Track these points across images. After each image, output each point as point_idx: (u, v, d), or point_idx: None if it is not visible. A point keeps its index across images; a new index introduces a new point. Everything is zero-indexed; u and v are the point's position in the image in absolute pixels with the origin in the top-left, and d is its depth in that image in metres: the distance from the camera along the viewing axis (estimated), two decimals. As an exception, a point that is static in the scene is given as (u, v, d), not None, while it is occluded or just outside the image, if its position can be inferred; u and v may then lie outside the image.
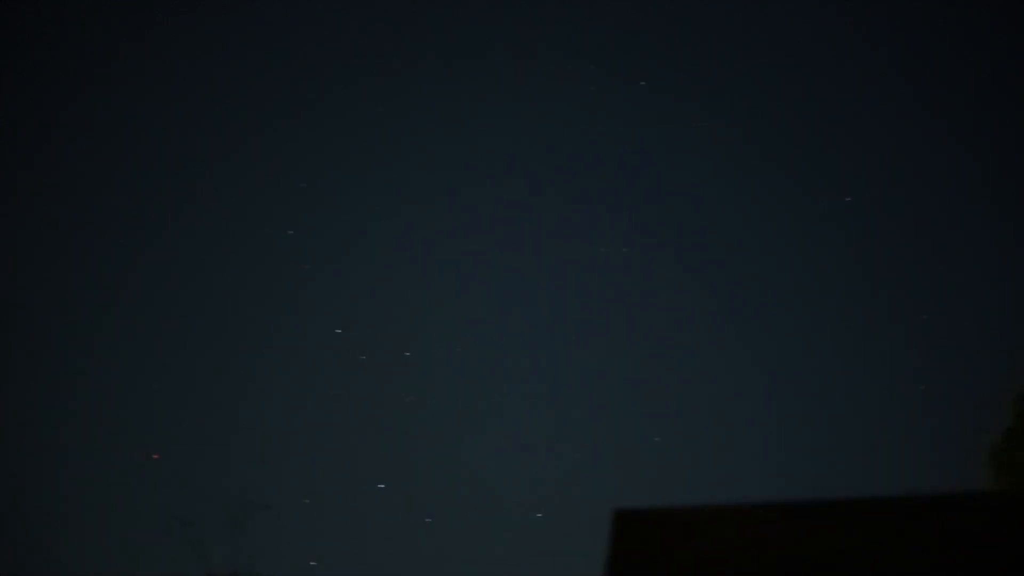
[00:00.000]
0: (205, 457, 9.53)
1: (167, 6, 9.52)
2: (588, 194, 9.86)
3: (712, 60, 10.04)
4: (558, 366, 9.92)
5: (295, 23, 9.69)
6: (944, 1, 10.08)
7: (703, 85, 10.01)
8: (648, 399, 9.88)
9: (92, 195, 9.43)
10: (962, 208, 10.20)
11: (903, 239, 9.97)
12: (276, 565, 9.57)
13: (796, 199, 9.95)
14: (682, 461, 9.75)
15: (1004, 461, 7.23)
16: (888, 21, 10.07)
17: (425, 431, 9.74)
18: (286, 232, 9.58)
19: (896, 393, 9.85)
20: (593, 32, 10.04)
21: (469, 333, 9.93)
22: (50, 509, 9.41)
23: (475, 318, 9.93)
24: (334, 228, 9.73)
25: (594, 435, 9.77)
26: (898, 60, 10.05)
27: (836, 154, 10.18)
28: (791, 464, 9.82)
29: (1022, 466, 7.30)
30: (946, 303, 9.89)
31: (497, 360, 9.90)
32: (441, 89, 9.80)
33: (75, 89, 9.49)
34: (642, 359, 9.99)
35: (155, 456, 9.04)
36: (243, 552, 9.40)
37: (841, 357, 9.90)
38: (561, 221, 9.94)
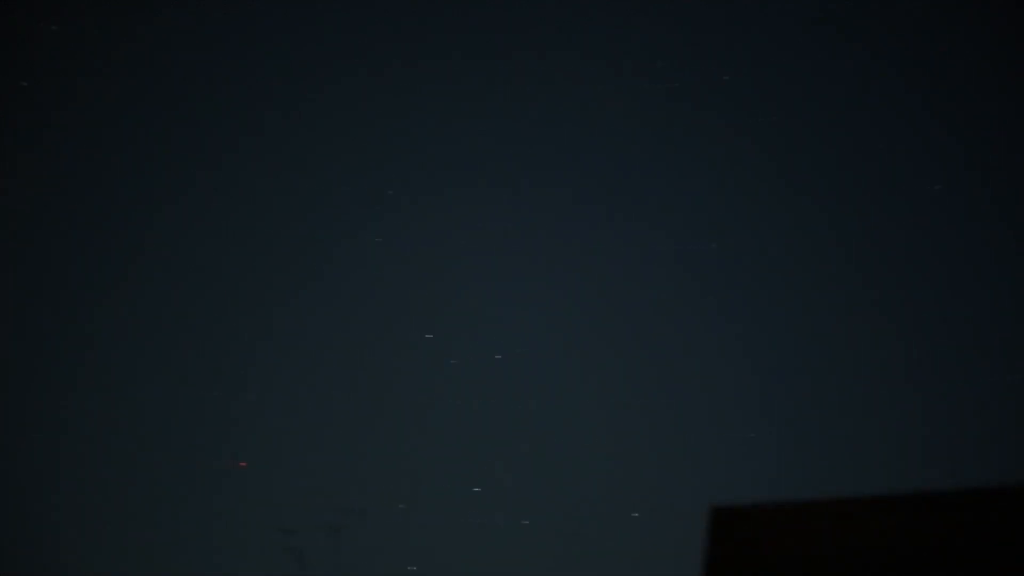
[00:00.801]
0: (299, 464, 9.56)
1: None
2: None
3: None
4: (646, 364, 9.84)
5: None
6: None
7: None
8: (739, 395, 9.79)
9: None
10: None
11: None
12: (373, 571, 9.59)
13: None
14: (779, 457, 9.64)
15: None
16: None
17: (517, 433, 9.70)
18: (375, 239, 9.60)
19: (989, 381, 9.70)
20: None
21: (559, 336, 9.88)
22: (148, 521, 9.48)
23: (561, 322, 9.88)
24: (419, 235, 9.73)
25: (689, 433, 9.69)
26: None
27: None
28: (888, 456, 9.69)
29: None
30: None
31: (586, 360, 9.85)
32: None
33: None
34: (735, 354, 9.90)
35: (242, 464, 9.09)
36: (340, 559, 9.44)
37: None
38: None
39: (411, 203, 10.24)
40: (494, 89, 10.26)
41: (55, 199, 9.83)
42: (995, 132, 10.17)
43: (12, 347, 9.70)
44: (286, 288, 10.11)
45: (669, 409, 10.00)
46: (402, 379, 9.96)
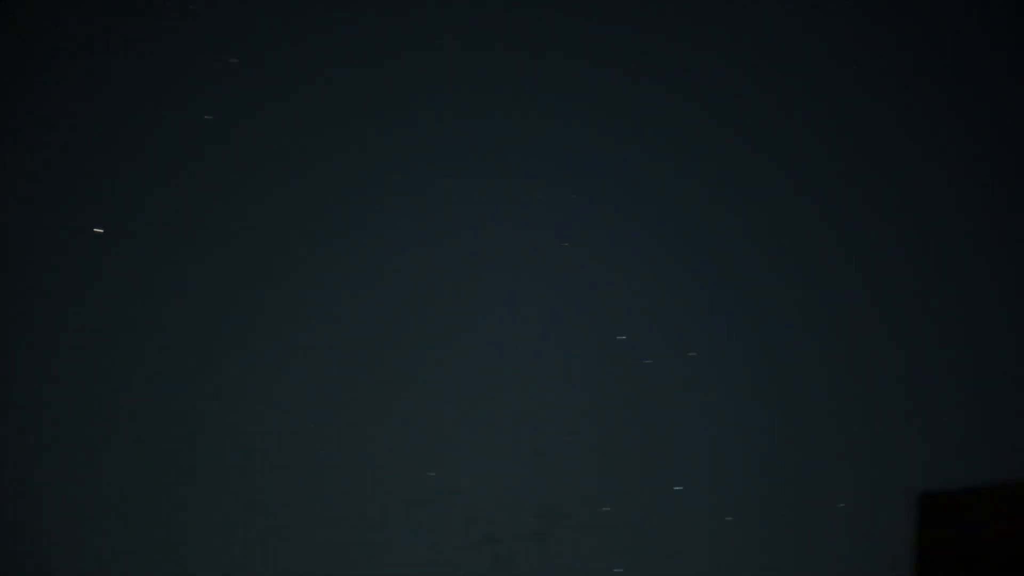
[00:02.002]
0: (502, 473, 9.63)
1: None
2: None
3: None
4: (846, 355, 9.73)
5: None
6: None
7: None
8: (943, 381, 9.60)
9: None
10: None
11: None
12: (580, 574, 9.62)
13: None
14: (984, 440, 9.43)
15: None
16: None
17: (713, 430, 9.65)
18: (564, 245, 9.63)
19: None
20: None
21: (755, 333, 9.81)
22: (356, 532, 9.62)
23: (757, 320, 9.82)
24: (615, 240, 9.75)
25: (895, 419, 9.54)
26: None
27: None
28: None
29: None
30: None
31: (780, 353, 9.76)
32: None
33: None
34: (938, 342, 9.72)
35: (431, 474, 9.17)
36: (548, 564, 9.49)
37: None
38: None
39: (598, 208, 10.25)
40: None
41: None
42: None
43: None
44: (488, 304, 10.20)
45: (869, 398, 9.86)
46: (600, 381, 9.98)
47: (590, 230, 10.16)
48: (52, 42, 9.98)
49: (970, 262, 9.93)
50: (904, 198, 9.96)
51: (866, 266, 9.97)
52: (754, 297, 10.00)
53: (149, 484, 9.72)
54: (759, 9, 9.95)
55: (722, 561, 9.61)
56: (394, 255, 10.19)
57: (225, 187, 10.14)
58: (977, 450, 9.56)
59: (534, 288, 10.12)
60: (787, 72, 10.03)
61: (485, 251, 10.08)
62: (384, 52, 10.18)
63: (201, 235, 10.07)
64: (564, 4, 10.23)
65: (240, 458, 9.84)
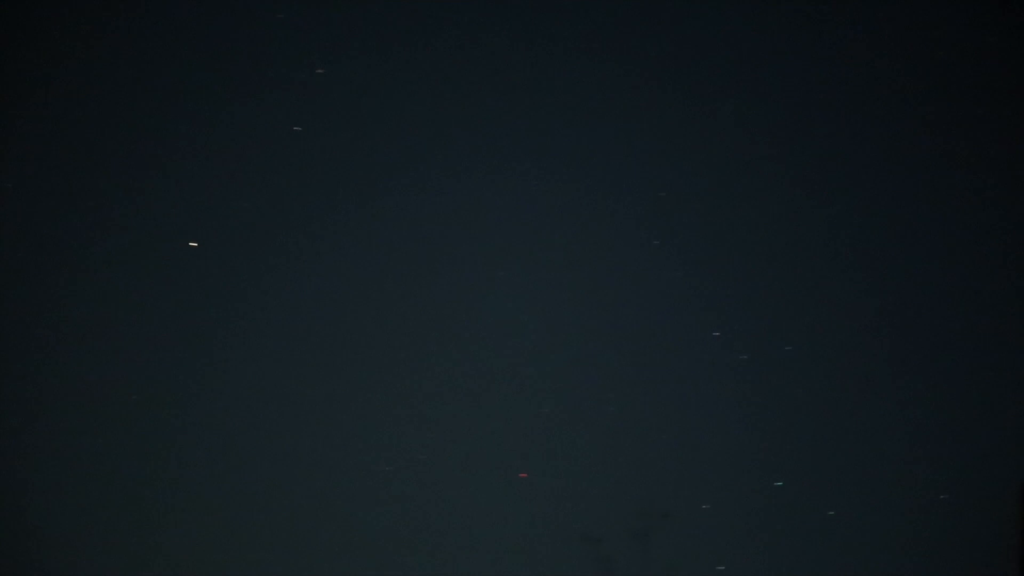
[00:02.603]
0: (600, 472, 9.63)
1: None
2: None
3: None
4: (935, 348, 9.61)
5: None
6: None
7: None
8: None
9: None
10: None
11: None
12: (682, 573, 9.59)
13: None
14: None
15: None
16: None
17: (810, 424, 9.59)
18: (654, 242, 9.62)
19: None
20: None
21: (852, 326, 9.73)
22: (463, 534, 9.65)
23: (854, 313, 9.74)
24: (706, 238, 9.71)
25: (999, 410, 9.43)
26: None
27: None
28: None
29: None
30: None
31: (874, 347, 9.68)
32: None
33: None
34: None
35: (522, 475, 9.18)
36: (649, 563, 9.47)
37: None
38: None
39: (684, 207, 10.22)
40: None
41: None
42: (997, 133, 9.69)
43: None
44: (581, 304, 10.20)
45: (971, 389, 9.75)
46: (695, 378, 9.95)
47: (680, 227, 10.12)
48: (139, 52, 10.09)
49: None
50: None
51: (977, 255, 9.87)
52: (852, 291, 9.92)
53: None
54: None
55: (825, 556, 9.54)
56: (497, 253, 10.22)
57: (316, 197, 10.20)
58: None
59: (628, 287, 10.10)
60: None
61: (579, 252, 10.08)
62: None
63: (297, 242, 10.14)
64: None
65: (332, 462, 9.90)
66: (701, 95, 10.04)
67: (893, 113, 10.05)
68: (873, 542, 9.49)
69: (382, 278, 10.22)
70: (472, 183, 10.21)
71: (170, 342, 9.98)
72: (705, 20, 10.10)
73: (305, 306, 10.11)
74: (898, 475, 9.60)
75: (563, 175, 10.20)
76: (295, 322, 10.10)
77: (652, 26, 10.09)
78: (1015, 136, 9.67)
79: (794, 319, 9.99)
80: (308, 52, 10.15)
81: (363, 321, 10.19)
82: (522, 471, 9.76)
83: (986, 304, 9.85)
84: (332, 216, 10.25)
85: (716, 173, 10.17)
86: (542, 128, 10.03)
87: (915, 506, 9.48)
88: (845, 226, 10.09)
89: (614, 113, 9.96)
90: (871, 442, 9.69)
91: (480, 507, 9.86)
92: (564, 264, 10.14)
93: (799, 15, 10.04)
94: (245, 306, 10.11)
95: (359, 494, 9.91)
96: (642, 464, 9.82)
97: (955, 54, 9.87)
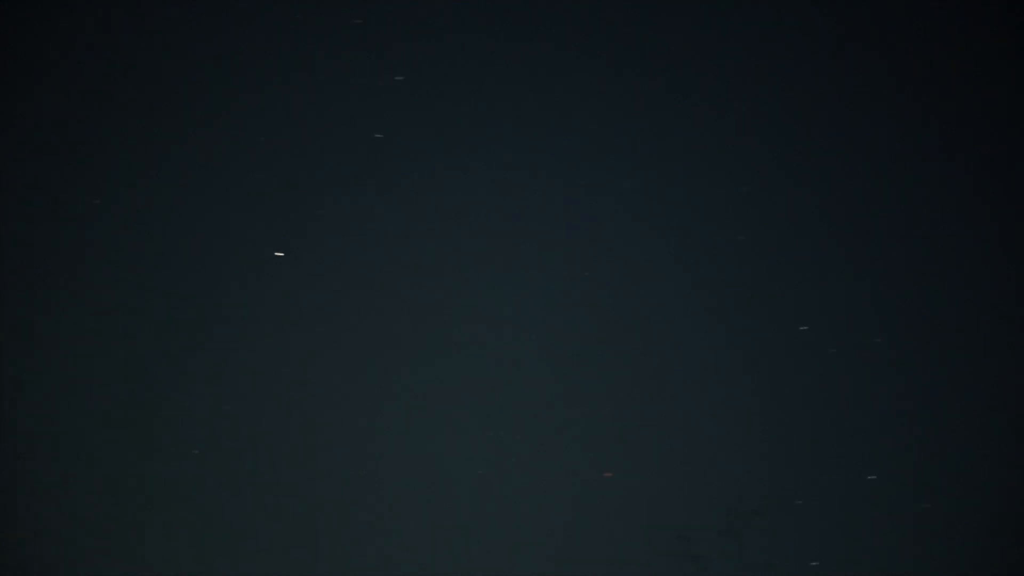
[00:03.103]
0: (691, 468, 9.58)
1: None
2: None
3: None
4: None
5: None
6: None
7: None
8: None
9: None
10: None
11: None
12: (776, 570, 9.52)
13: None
14: None
15: None
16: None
17: (902, 417, 9.50)
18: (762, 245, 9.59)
19: None
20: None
21: (937, 319, 9.64)
22: (546, 533, 9.65)
23: (937, 306, 9.64)
24: (790, 233, 9.67)
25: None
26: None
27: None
28: None
29: None
30: None
31: (978, 330, 9.58)
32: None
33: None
34: None
35: (607, 474, 9.15)
36: (742, 561, 9.40)
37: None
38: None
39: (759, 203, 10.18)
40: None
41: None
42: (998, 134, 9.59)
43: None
44: (667, 300, 10.17)
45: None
46: (784, 373, 9.89)
47: (759, 221, 10.08)
48: (212, 62, 10.17)
49: None
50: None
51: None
52: (951, 279, 9.84)
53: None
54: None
55: (922, 551, 9.46)
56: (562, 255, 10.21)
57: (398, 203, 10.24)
58: None
59: (712, 283, 10.07)
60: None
61: (658, 250, 10.05)
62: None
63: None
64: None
65: (394, 464, 9.92)
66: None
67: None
68: (970, 536, 9.40)
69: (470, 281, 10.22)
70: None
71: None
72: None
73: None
74: (994, 468, 9.50)
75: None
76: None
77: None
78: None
79: (882, 312, 9.92)
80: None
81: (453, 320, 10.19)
82: (607, 470, 9.74)
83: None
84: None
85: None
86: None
87: (1011, 498, 9.38)
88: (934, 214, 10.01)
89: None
90: (966, 434, 9.60)
91: (567, 507, 9.83)
92: (634, 260, 10.11)
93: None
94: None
95: (459, 496, 9.91)
96: (733, 460, 9.76)
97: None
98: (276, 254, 9.95)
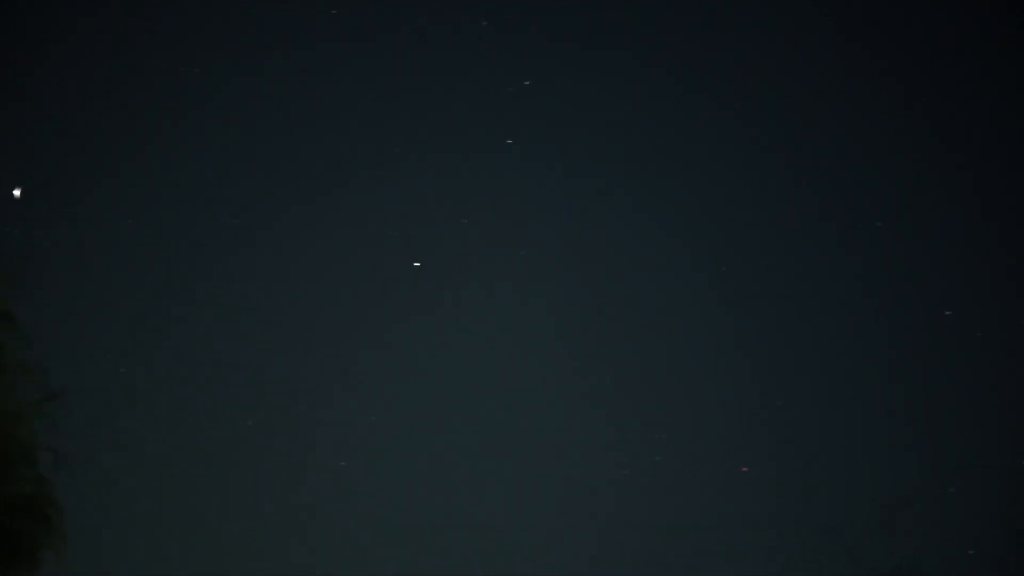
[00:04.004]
0: (841, 462, 9.52)
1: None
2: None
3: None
4: None
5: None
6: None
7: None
8: None
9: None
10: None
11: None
12: (928, 556, 9.42)
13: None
14: None
15: None
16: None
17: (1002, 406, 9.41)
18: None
19: None
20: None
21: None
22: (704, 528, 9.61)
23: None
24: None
25: None
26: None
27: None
28: None
29: None
30: None
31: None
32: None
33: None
34: None
35: (743, 469, 9.10)
36: (895, 550, 9.31)
37: None
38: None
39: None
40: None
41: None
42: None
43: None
44: (821, 295, 10.15)
45: None
46: (928, 359, 9.84)
47: (906, 211, 10.06)
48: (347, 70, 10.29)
49: None
50: None
51: None
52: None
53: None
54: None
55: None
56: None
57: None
58: None
59: (858, 274, 10.05)
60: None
61: (805, 247, 10.04)
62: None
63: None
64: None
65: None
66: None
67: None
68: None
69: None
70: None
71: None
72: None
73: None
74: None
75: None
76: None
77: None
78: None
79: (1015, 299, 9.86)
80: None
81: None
82: (740, 465, 9.71)
83: None
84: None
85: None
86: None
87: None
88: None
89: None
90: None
91: (708, 502, 9.80)
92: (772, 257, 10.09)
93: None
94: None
95: (599, 493, 9.90)
96: (883, 451, 9.71)
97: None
98: (415, 264, 10.02)
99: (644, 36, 9.90)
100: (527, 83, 9.39)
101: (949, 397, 9.65)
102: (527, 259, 9.99)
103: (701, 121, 9.86)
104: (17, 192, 9.25)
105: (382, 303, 10.05)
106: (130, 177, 10.29)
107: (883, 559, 9.45)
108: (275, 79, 10.22)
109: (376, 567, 9.74)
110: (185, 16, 10.16)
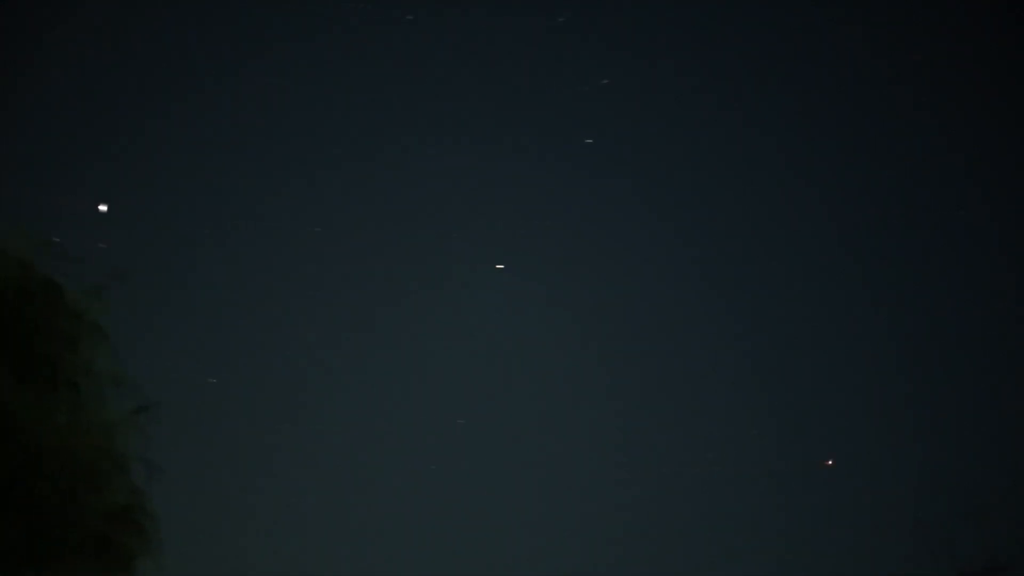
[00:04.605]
0: (922, 455, 9.47)
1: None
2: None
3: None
4: None
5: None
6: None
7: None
8: None
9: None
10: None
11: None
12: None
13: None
14: None
15: None
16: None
17: None
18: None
19: None
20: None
21: None
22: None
23: None
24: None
25: None
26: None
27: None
28: None
29: None
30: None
31: None
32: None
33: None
34: None
35: (829, 463, 9.06)
36: (991, 544, 9.23)
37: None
38: None
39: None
40: None
41: None
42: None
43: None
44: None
45: None
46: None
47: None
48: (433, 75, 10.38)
49: None
50: None
51: None
52: None
53: None
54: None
55: None
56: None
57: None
58: None
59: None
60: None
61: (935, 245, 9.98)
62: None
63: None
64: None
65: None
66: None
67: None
68: None
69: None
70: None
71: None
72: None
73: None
74: None
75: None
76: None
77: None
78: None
79: None
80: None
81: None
82: (828, 459, 9.67)
83: None
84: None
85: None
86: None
87: None
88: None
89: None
90: None
91: (790, 496, 9.77)
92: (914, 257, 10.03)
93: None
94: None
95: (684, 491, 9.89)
96: (969, 443, 9.63)
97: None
98: (498, 266, 10.09)
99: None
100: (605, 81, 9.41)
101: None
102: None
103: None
104: (103, 207, 9.42)
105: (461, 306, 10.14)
106: (214, 192, 10.44)
107: (977, 553, 9.38)
108: (353, 79, 10.32)
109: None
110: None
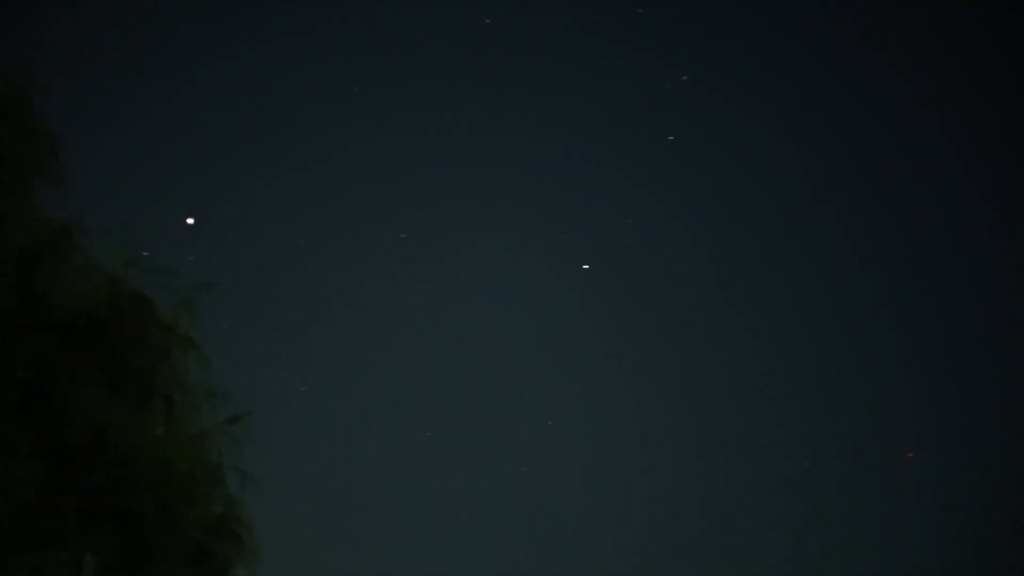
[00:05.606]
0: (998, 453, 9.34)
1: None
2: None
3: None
4: None
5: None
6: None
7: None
8: None
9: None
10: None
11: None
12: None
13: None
14: None
15: None
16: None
17: None
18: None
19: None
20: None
21: None
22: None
23: None
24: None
25: None
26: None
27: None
28: None
29: None
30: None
31: None
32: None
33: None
34: None
35: (909, 455, 8.97)
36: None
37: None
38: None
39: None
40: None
41: None
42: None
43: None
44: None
45: None
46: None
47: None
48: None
49: None
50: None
51: None
52: None
53: None
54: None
55: None
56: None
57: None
58: None
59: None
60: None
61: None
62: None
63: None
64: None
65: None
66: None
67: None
68: None
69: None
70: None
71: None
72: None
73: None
74: None
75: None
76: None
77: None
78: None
79: None
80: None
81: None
82: (909, 452, 9.59)
83: None
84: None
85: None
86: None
87: None
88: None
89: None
90: None
91: (872, 491, 9.69)
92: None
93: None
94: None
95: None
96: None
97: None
98: (584, 266, 10.08)
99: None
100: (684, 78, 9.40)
101: None
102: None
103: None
104: (191, 220, 9.55)
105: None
106: (298, 199, 10.56)
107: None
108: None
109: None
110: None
